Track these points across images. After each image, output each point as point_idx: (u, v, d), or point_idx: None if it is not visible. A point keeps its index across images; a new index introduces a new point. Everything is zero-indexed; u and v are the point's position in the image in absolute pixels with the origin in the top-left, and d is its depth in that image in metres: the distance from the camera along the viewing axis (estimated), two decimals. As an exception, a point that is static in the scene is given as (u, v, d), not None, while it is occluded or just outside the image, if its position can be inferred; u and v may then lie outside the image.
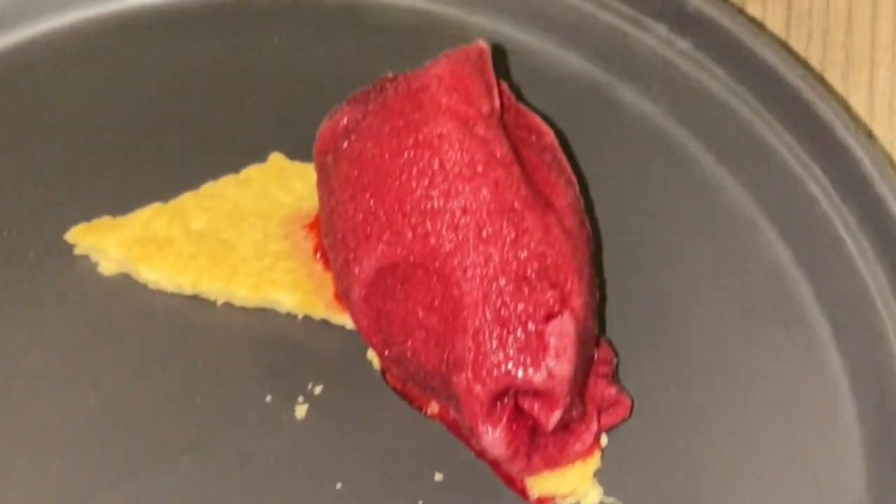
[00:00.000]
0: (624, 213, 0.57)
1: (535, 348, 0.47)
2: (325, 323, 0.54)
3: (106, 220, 0.56)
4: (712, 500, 0.51)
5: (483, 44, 0.50)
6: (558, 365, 0.47)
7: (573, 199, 0.50)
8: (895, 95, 0.61)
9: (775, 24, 0.63)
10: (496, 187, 0.47)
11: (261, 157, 0.57)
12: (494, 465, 0.51)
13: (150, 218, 0.55)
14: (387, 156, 0.48)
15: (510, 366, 0.47)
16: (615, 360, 0.52)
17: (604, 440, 0.51)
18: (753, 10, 0.63)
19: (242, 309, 0.54)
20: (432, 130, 0.48)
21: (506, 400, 0.48)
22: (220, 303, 0.55)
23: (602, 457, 0.51)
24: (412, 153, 0.48)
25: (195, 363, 0.53)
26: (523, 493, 0.50)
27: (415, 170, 0.47)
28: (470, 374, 0.47)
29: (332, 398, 0.53)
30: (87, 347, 0.54)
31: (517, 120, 0.51)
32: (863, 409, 0.52)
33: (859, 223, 0.54)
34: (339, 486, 0.51)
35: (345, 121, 0.50)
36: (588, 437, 0.50)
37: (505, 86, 0.51)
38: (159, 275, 0.55)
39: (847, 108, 0.61)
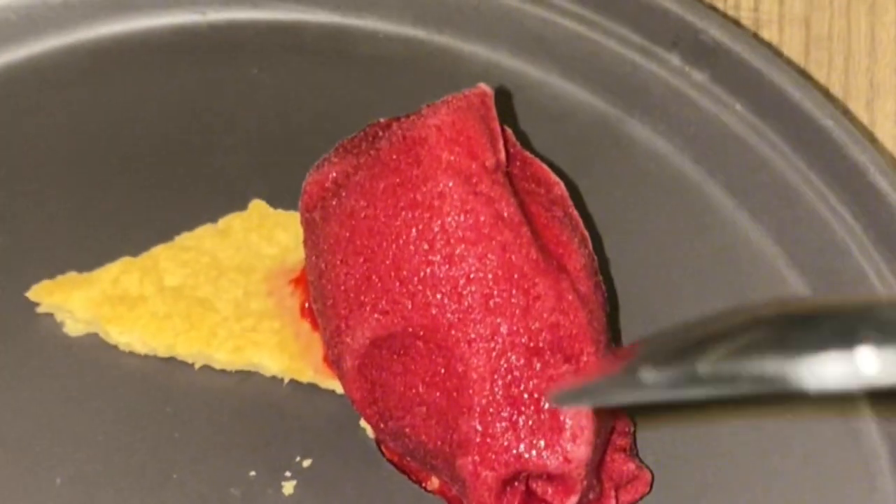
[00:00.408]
0: (637, 262, 0.53)
1: (550, 429, 0.43)
2: (313, 387, 0.50)
3: (72, 276, 0.51)
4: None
5: (486, 87, 0.46)
6: (575, 447, 0.43)
7: (587, 259, 0.46)
8: (925, 126, 0.58)
9: (793, 48, 0.60)
10: (503, 251, 0.43)
11: (240, 204, 0.53)
12: None
13: (120, 274, 0.51)
14: (382, 216, 0.44)
15: (522, 448, 0.43)
16: (633, 431, 0.48)
17: (621, 519, 0.47)
18: (770, 34, 0.60)
19: (223, 372, 0.50)
20: (432, 189, 0.43)
21: (516, 484, 0.44)
22: (198, 366, 0.51)
23: (620, 538, 0.47)
24: (410, 214, 0.44)
25: (171, 435, 0.49)
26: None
27: (413, 232, 0.43)
28: (477, 458, 0.43)
29: (323, 472, 0.48)
30: (52, 418, 0.49)
31: (524, 171, 0.47)
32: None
33: (895, 273, 0.51)
34: (333, 571, 0.47)
35: (333, 174, 0.46)
36: None
37: (510, 133, 0.47)
38: (131, 337, 0.50)
39: (873, 140, 0.57)
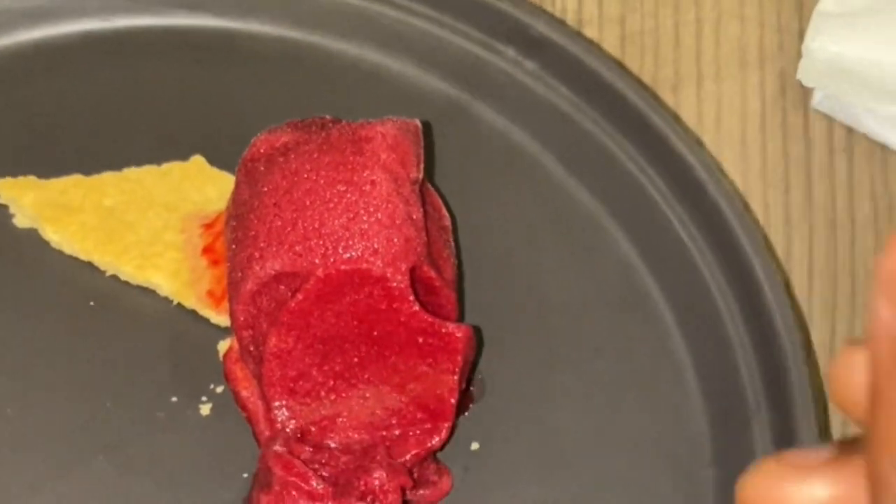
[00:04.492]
0: (482, 224, 0.66)
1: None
2: (218, 328, 0.63)
3: (31, 178, 0.65)
4: (573, 470, 0.62)
5: (418, 122, 0.61)
6: None
7: (455, 273, 0.61)
8: (721, 106, 0.73)
9: (611, 44, 0.73)
10: (406, 242, 0.57)
11: (184, 157, 0.67)
12: None
13: (70, 186, 0.65)
14: (321, 182, 0.58)
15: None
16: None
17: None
18: (591, 31, 0.73)
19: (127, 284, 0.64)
20: (367, 177, 0.58)
21: None
22: (108, 273, 0.64)
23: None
24: (343, 188, 0.58)
25: (103, 368, 0.62)
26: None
27: (343, 203, 0.57)
28: (279, 447, 0.58)
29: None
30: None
31: (426, 196, 0.61)
32: (706, 385, 0.63)
33: (694, 222, 0.65)
34: (245, 475, 0.60)
35: (285, 138, 0.60)
36: None
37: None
38: (62, 238, 0.64)
39: (678, 119, 0.72)
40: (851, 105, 0.71)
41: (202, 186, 0.66)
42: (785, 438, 0.60)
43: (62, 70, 0.69)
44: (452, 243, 0.62)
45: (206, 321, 0.63)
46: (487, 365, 0.63)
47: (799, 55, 0.71)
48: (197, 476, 0.60)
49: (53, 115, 0.68)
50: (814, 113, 0.72)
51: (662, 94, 0.73)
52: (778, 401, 0.61)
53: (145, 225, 0.64)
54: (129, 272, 0.64)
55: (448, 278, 0.60)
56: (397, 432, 0.59)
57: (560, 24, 0.70)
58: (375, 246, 0.57)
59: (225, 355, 0.61)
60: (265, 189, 0.59)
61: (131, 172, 0.66)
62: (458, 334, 0.59)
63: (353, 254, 0.57)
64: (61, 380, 0.62)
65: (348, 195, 0.58)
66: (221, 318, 0.63)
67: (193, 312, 0.63)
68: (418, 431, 0.59)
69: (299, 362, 0.58)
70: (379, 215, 0.57)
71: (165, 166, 0.66)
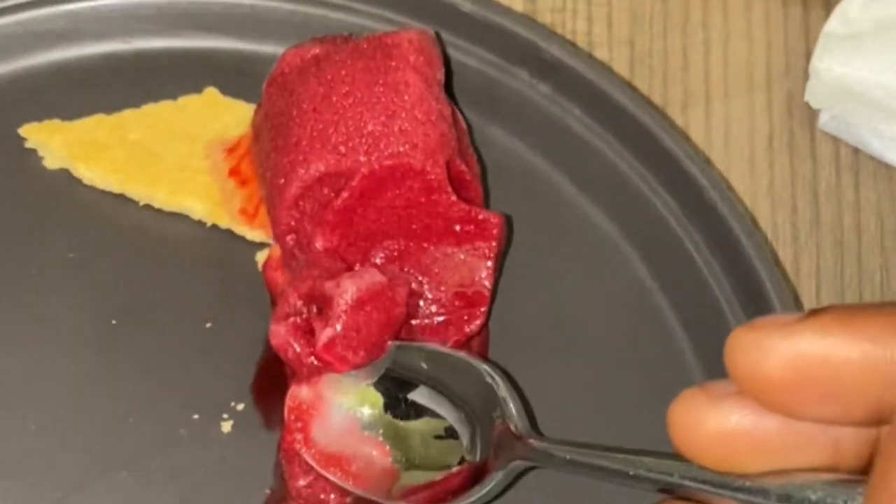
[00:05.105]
0: None
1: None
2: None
3: (56, 122, 0.68)
4: (591, 491, 0.62)
5: (432, 30, 0.64)
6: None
7: (479, 172, 0.64)
8: (729, 126, 0.74)
9: (621, 65, 0.75)
10: (442, 137, 0.60)
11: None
12: None
13: (94, 126, 0.68)
14: (357, 85, 0.61)
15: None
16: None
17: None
18: (601, 53, 0.75)
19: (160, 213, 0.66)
20: (401, 77, 0.61)
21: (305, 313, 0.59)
22: (141, 203, 0.67)
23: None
24: (380, 89, 0.61)
25: (125, 386, 0.63)
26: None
27: (380, 103, 0.61)
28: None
29: (254, 414, 0.63)
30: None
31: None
32: (716, 401, 0.64)
33: (704, 239, 0.66)
34: (267, 491, 0.61)
35: (315, 50, 0.63)
36: None
37: None
38: (93, 173, 0.67)
39: (687, 138, 0.73)
40: (858, 126, 0.72)
41: (219, 115, 0.68)
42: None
43: (82, 89, 0.70)
44: (471, 148, 0.65)
45: (241, 240, 0.66)
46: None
47: (806, 76, 0.73)
48: (218, 492, 0.61)
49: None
50: (820, 133, 0.74)
51: (672, 113, 0.74)
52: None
53: (172, 154, 0.67)
54: (163, 198, 0.66)
55: (475, 173, 0.63)
56: (438, 320, 0.61)
57: (572, 46, 0.72)
58: (415, 141, 0.60)
59: (264, 264, 0.64)
60: (302, 96, 0.62)
61: (150, 108, 0.69)
62: (494, 220, 0.62)
63: (395, 150, 0.60)
64: (85, 392, 0.63)
65: (385, 96, 0.61)
66: (257, 234, 0.66)
67: (229, 233, 0.66)
68: (460, 317, 0.62)
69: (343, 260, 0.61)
70: (415, 113, 0.60)
71: (181, 100, 0.69)
